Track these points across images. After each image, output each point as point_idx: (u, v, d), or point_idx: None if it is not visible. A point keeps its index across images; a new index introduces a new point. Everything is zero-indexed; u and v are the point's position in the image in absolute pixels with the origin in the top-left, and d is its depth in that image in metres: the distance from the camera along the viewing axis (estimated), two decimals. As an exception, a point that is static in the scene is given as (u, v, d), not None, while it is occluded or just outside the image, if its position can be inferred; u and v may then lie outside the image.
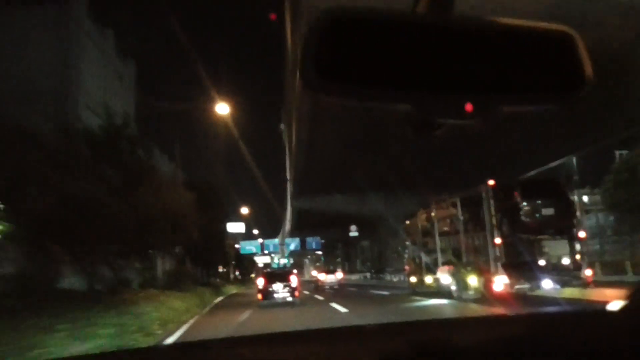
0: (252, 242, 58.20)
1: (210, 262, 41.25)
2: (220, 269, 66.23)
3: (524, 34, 1.06)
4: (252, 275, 73.58)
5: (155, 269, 24.76)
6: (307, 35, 0.95)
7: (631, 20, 13.81)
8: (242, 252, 56.89)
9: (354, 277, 55.57)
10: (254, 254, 77.55)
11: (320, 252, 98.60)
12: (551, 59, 1.07)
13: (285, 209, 57.11)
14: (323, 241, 60.41)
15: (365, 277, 50.67)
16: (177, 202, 20.51)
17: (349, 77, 0.96)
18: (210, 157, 46.10)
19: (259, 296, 18.28)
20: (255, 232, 67.61)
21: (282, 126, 41.14)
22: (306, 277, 64.71)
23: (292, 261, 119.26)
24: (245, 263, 74.53)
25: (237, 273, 79.94)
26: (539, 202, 13.68)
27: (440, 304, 14.78)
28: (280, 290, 17.87)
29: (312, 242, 58.47)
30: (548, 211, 13.55)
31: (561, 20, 1.10)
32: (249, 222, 59.84)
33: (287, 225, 64.99)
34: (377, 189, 37.63)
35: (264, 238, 59.83)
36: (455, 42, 1.02)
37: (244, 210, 51.60)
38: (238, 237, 57.10)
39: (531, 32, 1.07)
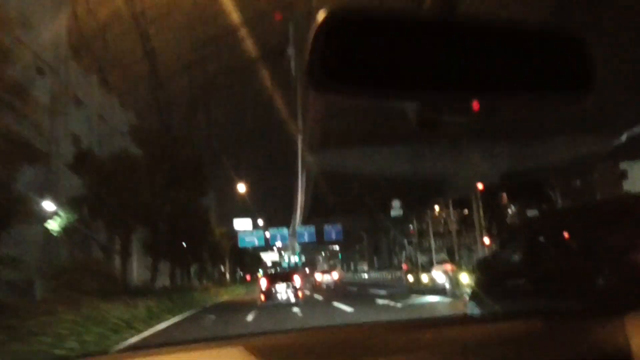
0: (254, 232, 44.72)
1: (186, 254, 27.73)
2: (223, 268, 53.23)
3: (529, 34, 1.07)
4: (259, 275, 64.97)
5: None
6: (313, 35, 0.94)
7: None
8: (240, 244, 43.49)
9: (391, 277, 41.47)
10: (258, 249, 64.22)
11: (337, 248, 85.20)
12: (557, 59, 1.08)
13: (296, 185, 43.69)
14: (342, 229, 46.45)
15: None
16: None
17: (356, 76, 0.96)
18: (183, 101, 32.64)
19: (262, 297, 17.84)
20: (260, 222, 53.85)
21: (291, 51, 27.57)
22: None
23: (304, 259, 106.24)
24: (248, 260, 61.08)
25: (241, 273, 66.54)
26: (524, 203, 15.85)
27: (431, 302, 14.49)
28: (283, 292, 17.66)
29: (332, 230, 44.75)
30: (532, 212, 15.64)
31: (564, 19, 1.06)
32: (248, 205, 46.37)
33: (299, 212, 51.59)
34: (436, 139, 24.07)
35: (270, 227, 46.18)
36: (461, 41, 1.01)
37: (242, 188, 38.10)
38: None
39: (537, 32, 1.08)
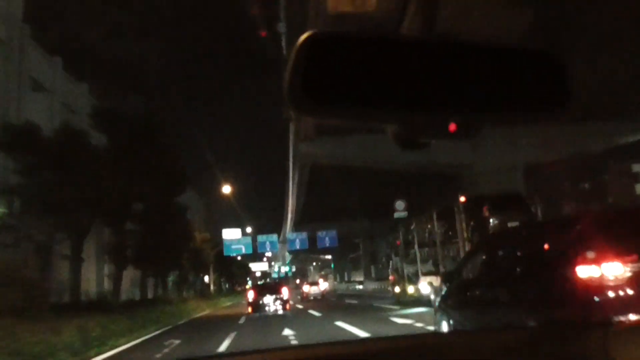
0: (241, 239, 40.86)
1: (161, 261, 23.97)
2: (207, 279, 49.46)
3: (505, 54, 1.08)
4: (248, 286, 61.18)
5: None
6: (293, 57, 0.95)
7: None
8: (226, 252, 39.65)
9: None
10: (247, 258, 60.13)
11: (329, 257, 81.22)
12: (534, 78, 1.08)
13: (287, 188, 39.98)
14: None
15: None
16: None
17: (337, 98, 0.96)
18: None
19: (249, 309, 17.81)
20: (249, 230, 49.95)
21: (282, 26, 24.11)
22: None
23: (294, 269, 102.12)
24: (235, 270, 57.21)
25: (227, 284, 62.76)
26: (505, 215, 15.22)
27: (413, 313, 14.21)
28: (271, 303, 17.42)
29: (325, 237, 41.02)
30: (513, 224, 14.40)
31: (539, 41, 1.12)
32: (237, 212, 42.58)
33: (290, 217, 47.85)
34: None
35: (258, 234, 42.34)
36: (439, 62, 1.02)
37: (229, 191, 34.39)
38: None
39: (513, 52, 1.09)
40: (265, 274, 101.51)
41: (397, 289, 22.49)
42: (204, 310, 26.67)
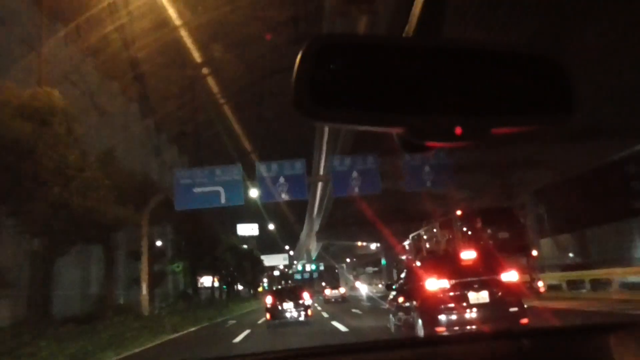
0: (215, 171, 16.54)
1: None
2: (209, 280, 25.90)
3: (510, 58, 1.09)
4: (260, 289, 52.48)
5: None
6: (299, 61, 0.95)
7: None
8: (178, 205, 15.72)
9: None
10: (263, 247, 35.74)
11: (376, 246, 56.75)
12: (538, 82, 1.09)
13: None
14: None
15: None
16: None
17: (342, 103, 0.97)
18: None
19: (268, 315, 16.71)
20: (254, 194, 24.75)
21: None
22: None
23: (322, 267, 77.33)
24: (226, 257, 33.10)
25: (223, 285, 39.19)
26: (496, 227, 17.18)
27: None
28: (291, 309, 16.46)
29: (424, 166, 16.58)
30: (504, 235, 17.00)
31: (545, 45, 1.12)
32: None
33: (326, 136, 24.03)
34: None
35: (262, 162, 17.98)
36: (445, 66, 1.03)
37: None
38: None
39: (517, 57, 1.10)
40: (284, 274, 78.08)
41: None
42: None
